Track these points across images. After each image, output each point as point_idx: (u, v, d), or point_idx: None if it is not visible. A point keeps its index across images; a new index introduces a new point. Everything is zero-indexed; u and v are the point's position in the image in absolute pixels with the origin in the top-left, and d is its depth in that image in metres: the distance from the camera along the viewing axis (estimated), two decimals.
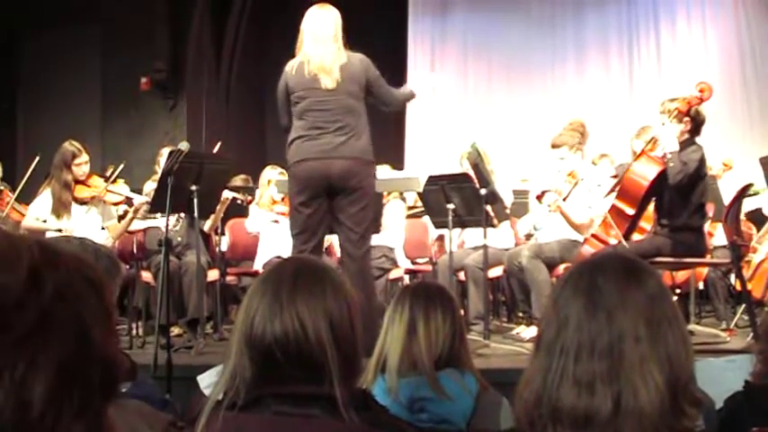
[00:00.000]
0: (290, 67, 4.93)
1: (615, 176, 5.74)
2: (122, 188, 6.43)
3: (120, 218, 6.46)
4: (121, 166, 6.70)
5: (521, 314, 6.99)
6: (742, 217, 6.84)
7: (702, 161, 4.96)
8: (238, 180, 7.62)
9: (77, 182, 6.14)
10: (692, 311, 6.57)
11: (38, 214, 6.14)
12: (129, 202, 6.30)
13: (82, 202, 6.17)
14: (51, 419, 0.71)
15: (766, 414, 1.81)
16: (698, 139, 5.07)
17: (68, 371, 0.73)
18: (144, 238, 6.57)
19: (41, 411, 0.70)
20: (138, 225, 6.45)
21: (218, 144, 7.21)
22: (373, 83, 4.94)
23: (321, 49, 4.85)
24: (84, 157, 6.17)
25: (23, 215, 6.49)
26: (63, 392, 0.72)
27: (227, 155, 6.57)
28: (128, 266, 6.58)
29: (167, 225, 5.26)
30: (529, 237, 6.47)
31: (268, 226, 6.73)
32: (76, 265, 0.79)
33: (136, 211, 6.23)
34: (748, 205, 7.09)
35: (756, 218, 7.26)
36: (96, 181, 6.25)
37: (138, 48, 9.91)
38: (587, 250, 5.16)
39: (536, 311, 5.80)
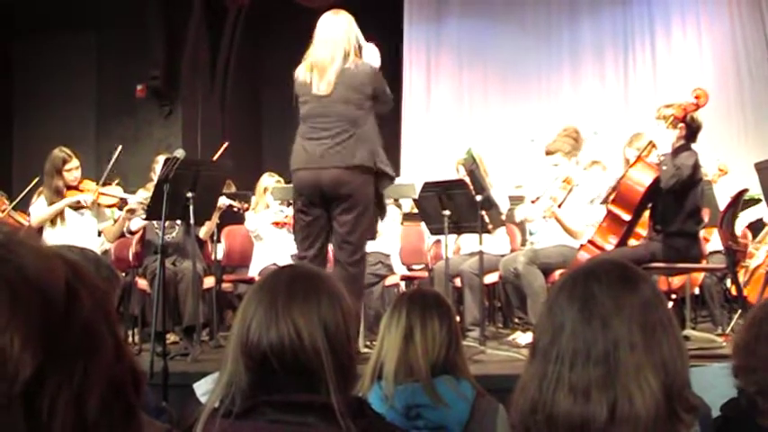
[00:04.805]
0: (298, 70, 4.91)
1: None
2: (115, 190, 6.39)
3: (116, 221, 6.45)
4: (119, 148, 6.62)
5: (516, 320, 6.97)
6: (741, 230, 6.86)
7: (696, 166, 4.93)
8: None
9: (69, 187, 6.12)
10: (687, 317, 6.56)
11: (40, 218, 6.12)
12: (123, 203, 6.28)
13: (76, 208, 6.15)
14: (105, 428, 0.73)
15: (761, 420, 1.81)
16: (693, 145, 5.05)
17: (113, 379, 0.75)
18: (141, 246, 6.55)
19: (96, 421, 0.72)
20: (135, 225, 6.43)
21: (225, 146, 7.14)
22: (379, 94, 4.88)
23: (320, 53, 4.81)
24: (75, 163, 6.15)
25: (21, 224, 6.47)
26: (111, 400, 0.74)
27: (225, 161, 6.53)
28: (124, 274, 6.57)
29: (163, 232, 5.26)
30: (524, 243, 6.46)
31: (266, 228, 6.72)
32: (93, 274, 0.80)
33: (130, 212, 6.21)
34: (749, 216, 7.11)
35: (756, 227, 7.25)
36: (88, 185, 6.22)
37: (134, 55, 9.90)
38: (583, 256, 5.14)
39: (532, 317, 5.79)
